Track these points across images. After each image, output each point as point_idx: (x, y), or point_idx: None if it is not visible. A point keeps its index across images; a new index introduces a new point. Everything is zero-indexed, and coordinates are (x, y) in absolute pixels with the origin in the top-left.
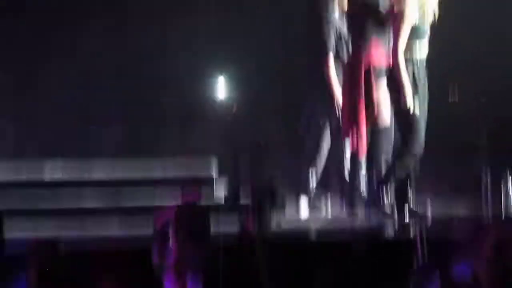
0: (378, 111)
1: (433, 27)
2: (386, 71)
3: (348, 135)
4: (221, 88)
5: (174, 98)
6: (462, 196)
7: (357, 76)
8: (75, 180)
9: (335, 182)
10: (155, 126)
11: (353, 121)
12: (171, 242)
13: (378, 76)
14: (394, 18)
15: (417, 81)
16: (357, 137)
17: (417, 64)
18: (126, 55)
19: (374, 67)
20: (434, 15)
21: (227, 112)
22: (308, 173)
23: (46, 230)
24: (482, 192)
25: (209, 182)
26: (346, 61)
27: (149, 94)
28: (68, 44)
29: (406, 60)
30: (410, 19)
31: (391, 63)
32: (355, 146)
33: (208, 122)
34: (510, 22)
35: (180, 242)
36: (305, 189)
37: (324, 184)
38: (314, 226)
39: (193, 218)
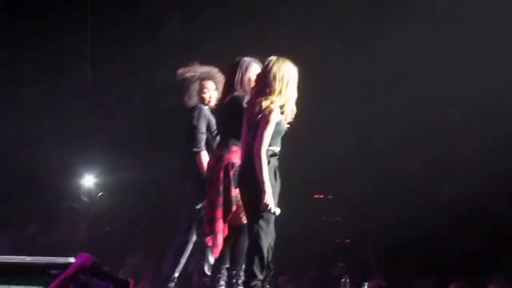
0: (237, 208)
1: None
2: (246, 168)
3: (207, 231)
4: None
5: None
6: None
7: (217, 173)
8: None
9: (196, 275)
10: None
11: (211, 217)
12: None
13: (238, 173)
14: (259, 120)
15: (277, 175)
16: (214, 234)
17: (276, 158)
18: None
19: (233, 164)
20: (292, 114)
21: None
22: (171, 264)
23: None
24: None
25: None
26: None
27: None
28: None
29: (270, 155)
30: (274, 121)
31: (252, 161)
32: (212, 242)
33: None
34: None
35: None
36: (166, 281)
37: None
38: None
39: None
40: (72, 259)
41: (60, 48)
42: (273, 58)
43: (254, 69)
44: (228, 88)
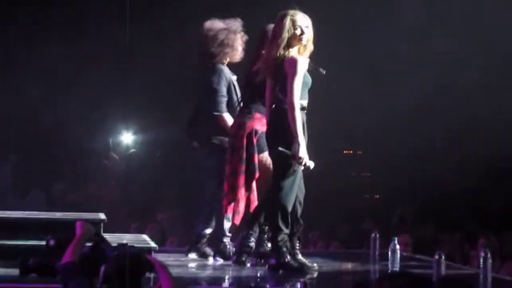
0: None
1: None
2: (276, 123)
3: (228, 199)
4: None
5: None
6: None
7: (240, 140)
8: None
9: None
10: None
11: (233, 185)
12: None
13: (260, 139)
14: (286, 72)
15: (305, 129)
16: (236, 201)
17: (304, 113)
18: None
19: (257, 131)
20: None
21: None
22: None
23: None
24: (370, 249)
25: None
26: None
27: None
28: None
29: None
30: (301, 71)
31: (283, 115)
32: (233, 210)
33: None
34: None
35: None
36: (194, 238)
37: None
38: (202, 274)
39: None
40: (102, 215)
41: (93, 7)
42: (285, 11)
43: None
44: (258, 55)
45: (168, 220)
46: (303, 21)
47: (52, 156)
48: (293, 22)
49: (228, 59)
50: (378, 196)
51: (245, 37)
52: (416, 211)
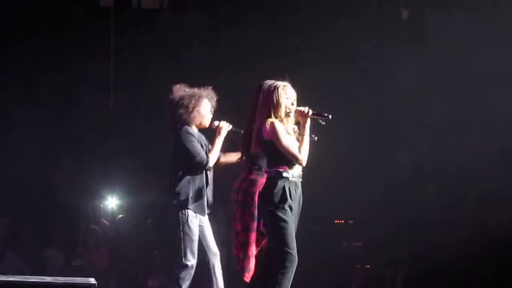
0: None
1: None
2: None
3: (240, 256)
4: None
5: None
6: None
7: (251, 197)
8: None
9: None
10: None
11: (245, 242)
12: None
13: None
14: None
15: (292, 195)
16: (247, 259)
17: (289, 181)
18: None
19: None
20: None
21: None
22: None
23: None
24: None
25: None
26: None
27: None
28: None
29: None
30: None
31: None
32: (243, 267)
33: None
34: None
35: None
36: None
37: None
38: None
39: None
40: (92, 280)
41: (79, 72)
42: (275, 83)
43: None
44: (255, 110)
45: (159, 287)
46: (291, 94)
47: (43, 220)
48: (281, 96)
49: (195, 124)
50: (368, 266)
51: (214, 104)
52: (410, 281)
